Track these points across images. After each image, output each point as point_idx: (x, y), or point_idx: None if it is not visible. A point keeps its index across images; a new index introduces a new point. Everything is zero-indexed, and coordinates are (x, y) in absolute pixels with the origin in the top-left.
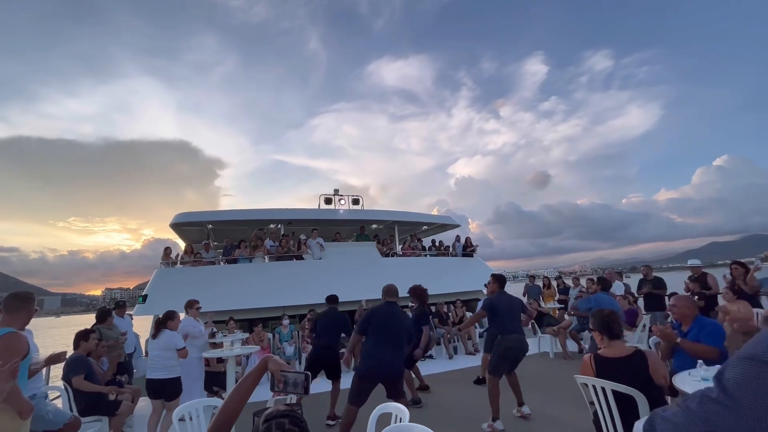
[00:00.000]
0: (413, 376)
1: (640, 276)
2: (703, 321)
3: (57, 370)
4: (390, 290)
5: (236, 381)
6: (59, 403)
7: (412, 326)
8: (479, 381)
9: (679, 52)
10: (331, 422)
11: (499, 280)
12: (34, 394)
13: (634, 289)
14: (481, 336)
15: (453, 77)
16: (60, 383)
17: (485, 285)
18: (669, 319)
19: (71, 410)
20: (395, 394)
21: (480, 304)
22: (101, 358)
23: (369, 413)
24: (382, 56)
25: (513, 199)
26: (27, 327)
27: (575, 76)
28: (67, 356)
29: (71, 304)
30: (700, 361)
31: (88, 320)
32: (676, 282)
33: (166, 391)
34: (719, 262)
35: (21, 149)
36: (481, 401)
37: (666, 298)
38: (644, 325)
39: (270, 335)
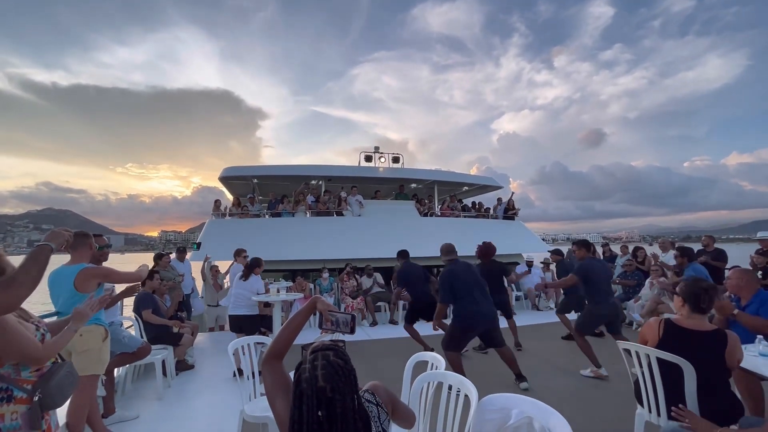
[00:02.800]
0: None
1: (699, 246)
2: (764, 295)
3: (128, 302)
4: (450, 249)
5: (281, 324)
6: (132, 331)
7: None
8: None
9: None
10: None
11: (585, 245)
12: (113, 321)
13: None
14: (517, 299)
15: (504, 22)
16: (131, 315)
17: (572, 251)
18: (726, 294)
19: (142, 338)
20: (496, 343)
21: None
22: (164, 295)
23: (405, 361)
24: None
25: (560, 158)
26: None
27: (647, 19)
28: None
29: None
30: (759, 337)
31: (148, 258)
32: (739, 255)
33: (247, 326)
34: None
35: (80, 97)
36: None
37: (725, 271)
38: None
39: (311, 285)
